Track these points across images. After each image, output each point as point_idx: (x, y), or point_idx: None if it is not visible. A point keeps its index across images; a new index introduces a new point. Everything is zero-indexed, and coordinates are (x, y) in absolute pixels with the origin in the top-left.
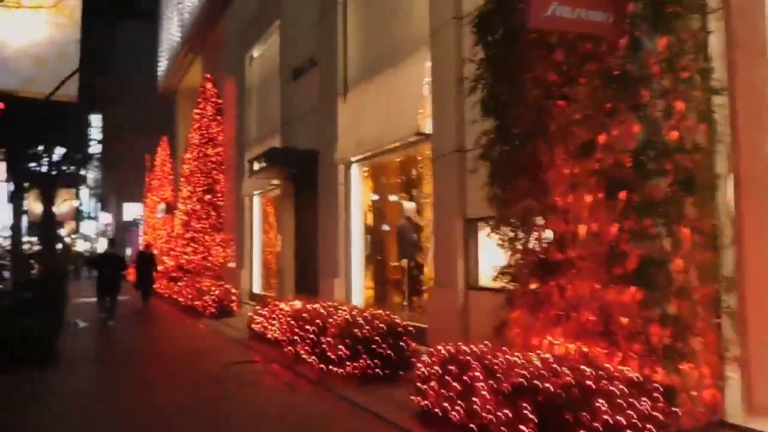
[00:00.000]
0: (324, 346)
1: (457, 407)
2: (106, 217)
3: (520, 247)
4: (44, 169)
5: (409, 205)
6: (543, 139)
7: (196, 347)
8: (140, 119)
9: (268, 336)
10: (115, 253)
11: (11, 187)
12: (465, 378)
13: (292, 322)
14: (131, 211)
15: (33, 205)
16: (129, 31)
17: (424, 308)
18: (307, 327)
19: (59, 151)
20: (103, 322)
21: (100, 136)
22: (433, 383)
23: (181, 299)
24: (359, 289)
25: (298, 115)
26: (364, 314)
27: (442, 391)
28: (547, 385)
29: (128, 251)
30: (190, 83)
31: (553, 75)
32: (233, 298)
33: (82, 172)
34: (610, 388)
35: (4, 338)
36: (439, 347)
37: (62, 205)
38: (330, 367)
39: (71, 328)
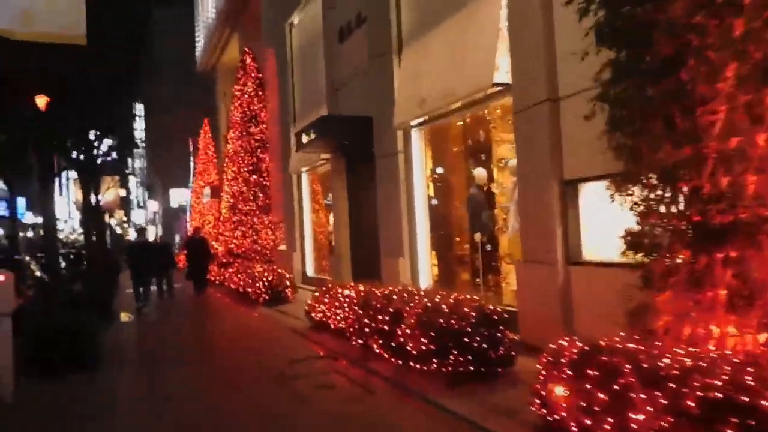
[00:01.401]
0: (401, 338)
1: (606, 426)
2: (153, 205)
3: (662, 209)
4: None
5: (479, 172)
6: (696, 67)
7: (252, 340)
8: (182, 103)
9: (331, 326)
10: (146, 241)
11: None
12: (614, 386)
13: (360, 310)
14: (178, 196)
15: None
16: (167, 15)
17: (503, 288)
18: (379, 316)
19: (101, 138)
20: (138, 312)
21: (143, 125)
22: (562, 390)
23: (232, 285)
24: (426, 268)
25: (346, 82)
26: (449, 299)
27: (580, 402)
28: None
29: (177, 238)
30: (228, 61)
31: None
32: (287, 283)
33: (128, 161)
34: None
35: (49, 338)
36: (564, 342)
37: (107, 194)
38: (410, 363)
39: (121, 320)
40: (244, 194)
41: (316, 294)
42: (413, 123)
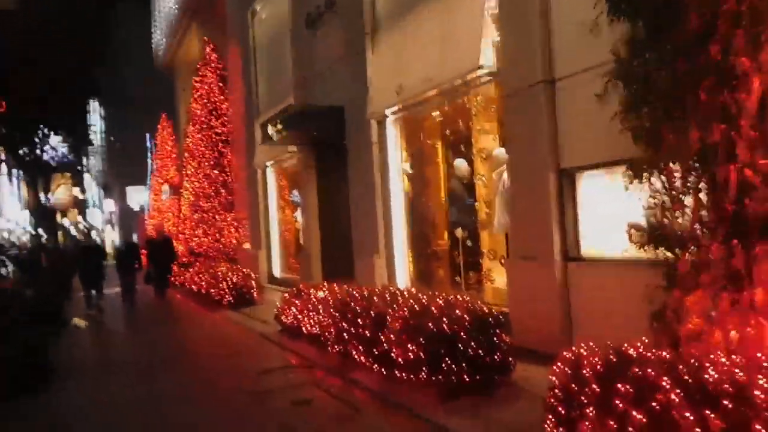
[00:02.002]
0: (385, 345)
1: None
2: (110, 205)
3: (688, 198)
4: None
5: (460, 164)
6: (729, 37)
7: (219, 347)
8: (140, 99)
9: (304, 330)
10: (93, 244)
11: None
12: (653, 404)
13: (337, 314)
14: (136, 195)
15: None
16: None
17: (486, 286)
18: (359, 320)
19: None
20: (91, 319)
21: (99, 122)
22: (586, 406)
23: (193, 287)
24: (403, 266)
25: (316, 71)
26: (437, 301)
27: (610, 422)
28: None
29: (134, 238)
30: (188, 55)
31: None
32: (253, 284)
33: (81, 158)
34: None
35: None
36: (582, 350)
37: (58, 192)
38: (396, 372)
39: (73, 328)
40: (206, 191)
41: (286, 296)
42: (389, 112)
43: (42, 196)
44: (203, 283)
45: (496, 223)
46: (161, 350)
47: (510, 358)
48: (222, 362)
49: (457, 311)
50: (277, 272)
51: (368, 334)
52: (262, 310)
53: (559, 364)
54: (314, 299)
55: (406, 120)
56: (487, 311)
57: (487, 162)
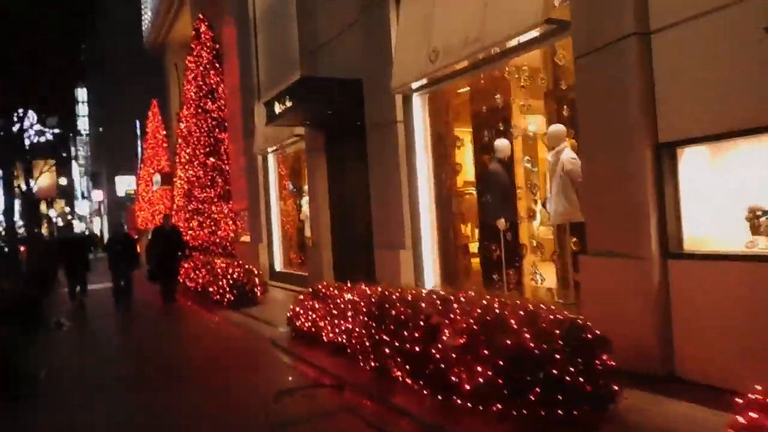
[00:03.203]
0: (441, 364)
1: None
2: (98, 195)
3: None
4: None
5: (502, 144)
6: None
7: (222, 358)
8: (129, 84)
9: (324, 338)
10: (77, 235)
11: None
12: None
13: (371, 321)
14: (124, 184)
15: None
16: None
17: (532, 286)
18: (404, 331)
19: (31, 116)
20: (76, 318)
21: (86, 110)
22: None
23: (188, 283)
24: (433, 262)
25: (325, 42)
26: (512, 308)
27: None
28: None
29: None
30: (179, 34)
31: None
32: (256, 280)
33: (68, 144)
34: None
35: None
36: None
37: (41, 179)
38: (456, 399)
39: (56, 329)
40: (201, 180)
41: (301, 297)
42: (416, 85)
43: (23, 183)
44: (200, 280)
45: (551, 211)
46: (155, 360)
47: (616, 387)
48: (229, 378)
49: (542, 324)
50: (278, 266)
51: (416, 349)
52: (266, 311)
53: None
54: (340, 302)
55: (437, 94)
56: (584, 324)
57: (530, 141)
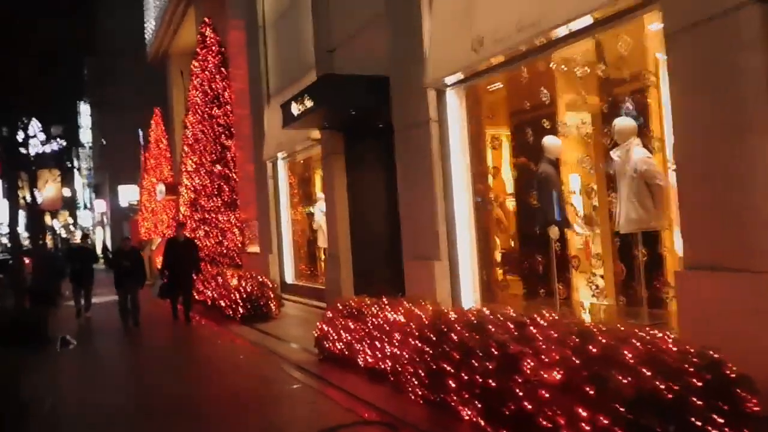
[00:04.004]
0: (527, 403)
1: None
2: (101, 205)
3: None
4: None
5: (551, 143)
6: None
7: (243, 385)
8: (131, 95)
9: (359, 362)
10: (86, 246)
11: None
12: None
13: (427, 347)
14: (128, 194)
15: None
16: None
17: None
18: (474, 361)
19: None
20: (78, 314)
21: (89, 121)
22: None
23: (196, 296)
24: (471, 274)
25: (344, 40)
26: (613, 334)
27: None
28: None
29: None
30: (183, 43)
31: None
32: (271, 294)
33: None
34: None
35: None
36: None
37: (46, 190)
38: None
39: (62, 348)
40: (207, 188)
41: (329, 315)
42: (451, 80)
43: (28, 194)
44: (208, 293)
45: (622, 218)
46: (167, 389)
47: None
48: (255, 412)
49: (664, 357)
50: (289, 278)
51: (492, 384)
52: (282, 327)
53: None
54: (382, 322)
55: (475, 89)
56: (720, 359)
57: (588, 139)
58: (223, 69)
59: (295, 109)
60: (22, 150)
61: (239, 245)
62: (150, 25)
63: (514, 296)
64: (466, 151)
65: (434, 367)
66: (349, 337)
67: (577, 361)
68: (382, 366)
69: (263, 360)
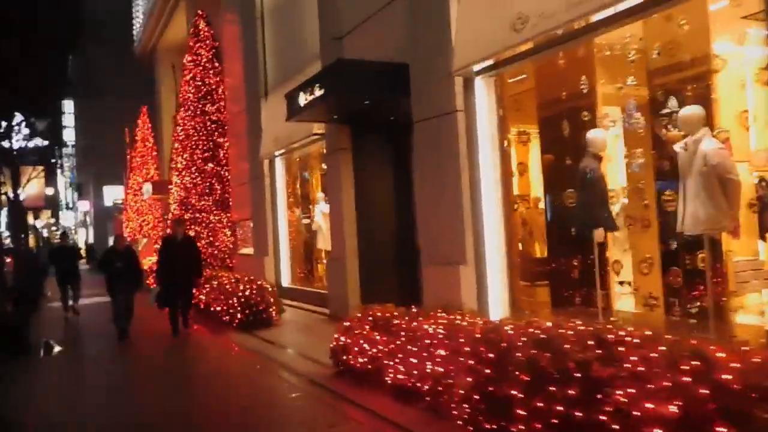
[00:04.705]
0: None
1: None
2: (84, 205)
3: None
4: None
5: (595, 136)
6: None
7: (252, 401)
8: (116, 93)
9: (387, 378)
10: (67, 245)
11: None
12: None
13: (483, 367)
14: (113, 194)
15: None
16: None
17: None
18: (547, 385)
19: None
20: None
21: (72, 121)
22: None
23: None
24: (501, 281)
25: (354, 26)
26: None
27: None
28: None
29: (111, 241)
30: (173, 38)
31: None
32: (271, 299)
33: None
34: None
35: None
36: None
37: (29, 187)
38: None
39: (45, 354)
40: (198, 187)
41: (347, 324)
42: (477, 68)
43: (9, 190)
44: (202, 297)
45: (688, 218)
46: (165, 406)
47: None
48: None
49: None
50: (286, 281)
51: (577, 413)
52: (285, 334)
53: None
54: (420, 335)
55: (506, 77)
56: None
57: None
58: (216, 63)
59: (303, 98)
60: (5, 144)
61: (230, 246)
62: (138, 20)
63: (545, 304)
64: (496, 145)
65: (492, 389)
66: (375, 351)
67: (703, 392)
68: (419, 385)
69: (271, 372)
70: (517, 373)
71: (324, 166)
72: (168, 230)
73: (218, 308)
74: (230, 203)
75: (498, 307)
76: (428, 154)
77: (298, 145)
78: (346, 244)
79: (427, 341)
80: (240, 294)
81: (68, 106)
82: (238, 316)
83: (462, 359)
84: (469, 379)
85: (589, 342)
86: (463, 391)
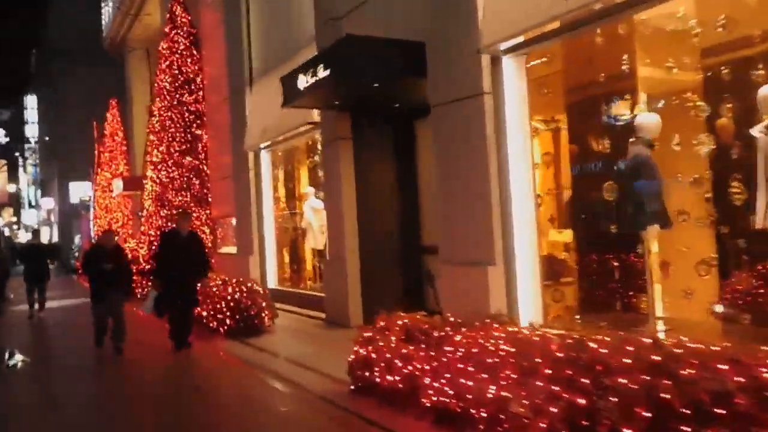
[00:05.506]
0: None
1: None
2: (47, 203)
3: None
4: None
5: (647, 121)
6: None
7: (259, 426)
8: (83, 87)
9: (423, 399)
10: (38, 243)
11: None
12: None
13: (569, 393)
14: (79, 192)
15: None
16: None
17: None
18: (683, 428)
19: None
20: (31, 316)
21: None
22: None
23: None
24: (533, 283)
25: (355, 3)
26: None
27: None
28: None
29: (77, 239)
30: (145, 28)
31: None
32: (263, 303)
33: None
34: None
35: None
36: None
37: None
38: None
39: (9, 368)
40: (176, 182)
41: (367, 335)
42: (504, 46)
43: None
44: None
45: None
46: (149, 426)
47: None
48: None
49: None
50: (272, 283)
51: None
52: (281, 343)
53: None
54: (477, 350)
55: (535, 57)
56: None
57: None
58: (195, 51)
59: (303, 81)
60: None
61: (210, 245)
62: (108, 10)
63: (575, 309)
64: (527, 131)
65: (586, 423)
66: (410, 368)
67: None
68: (473, 412)
69: (277, 390)
70: (611, 395)
71: (316, 158)
72: (142, 227)
73: (204, 313)
74: (209, 199)
75: (530, 313)
76: (448, 142)
77: (289, 135)
78: (346, 242)
79: (489, 360)
80: (229, 297)
81: (31, 101)
82: (227, 322)
83: (539, 383)
84: (553, 410)
85: (720, 366)
86: (545, 424)
